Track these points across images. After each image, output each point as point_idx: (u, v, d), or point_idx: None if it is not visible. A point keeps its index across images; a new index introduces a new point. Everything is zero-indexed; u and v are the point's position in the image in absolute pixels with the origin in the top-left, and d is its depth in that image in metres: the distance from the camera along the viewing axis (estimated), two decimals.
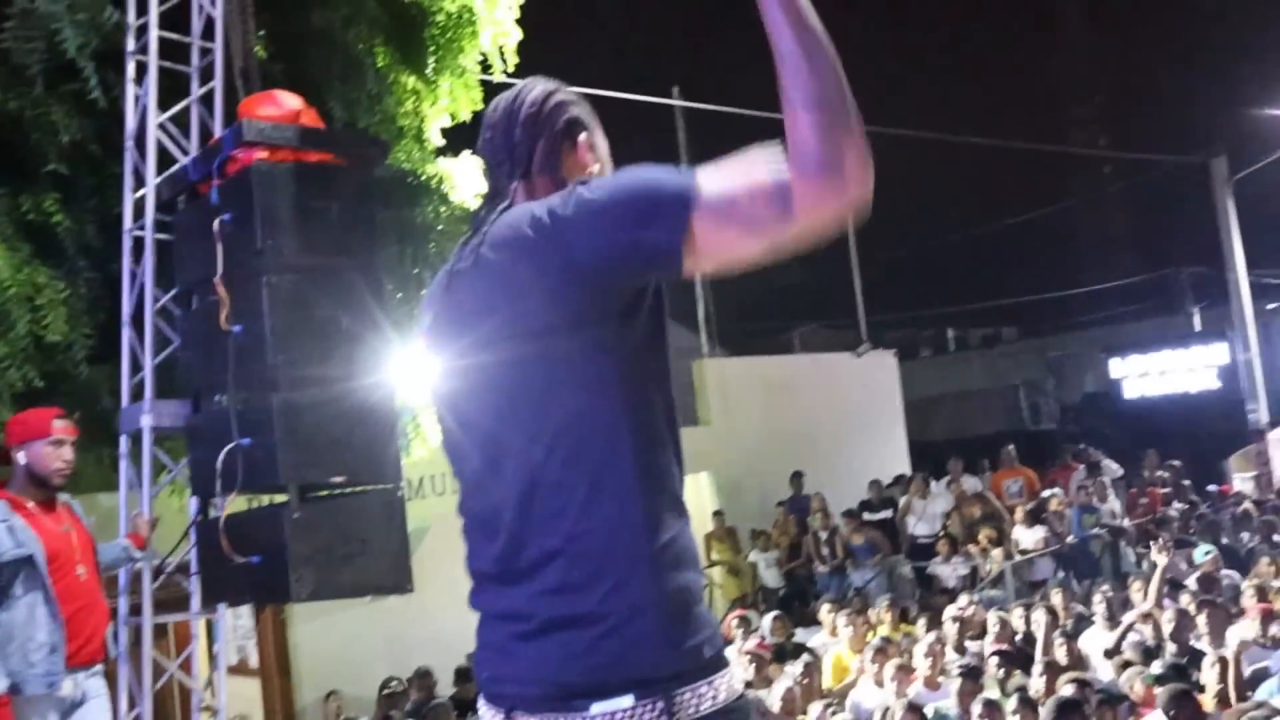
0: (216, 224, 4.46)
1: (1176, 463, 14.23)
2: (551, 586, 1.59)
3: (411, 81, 7.50)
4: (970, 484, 12.56)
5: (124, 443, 5.31)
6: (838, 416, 15.23)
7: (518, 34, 8.61)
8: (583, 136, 1.83)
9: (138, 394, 5.26)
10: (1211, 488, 14.76)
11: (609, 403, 1.62)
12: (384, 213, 6.67)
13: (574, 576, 1.57)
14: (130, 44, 5.50)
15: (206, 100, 5.57)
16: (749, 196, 1.48)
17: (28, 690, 3.75)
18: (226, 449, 4.37)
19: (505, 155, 1.82)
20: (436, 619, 11.15)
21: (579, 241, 1.57)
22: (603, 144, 1.88)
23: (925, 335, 25.81)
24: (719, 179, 1.51)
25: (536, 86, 1.86)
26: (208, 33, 5.54)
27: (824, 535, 12.23)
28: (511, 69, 8.70)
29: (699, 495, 14.32)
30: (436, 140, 8.23)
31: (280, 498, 4.42)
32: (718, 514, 13.41)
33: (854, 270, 16.88)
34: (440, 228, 6.99)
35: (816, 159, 1.42)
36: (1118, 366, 19.26)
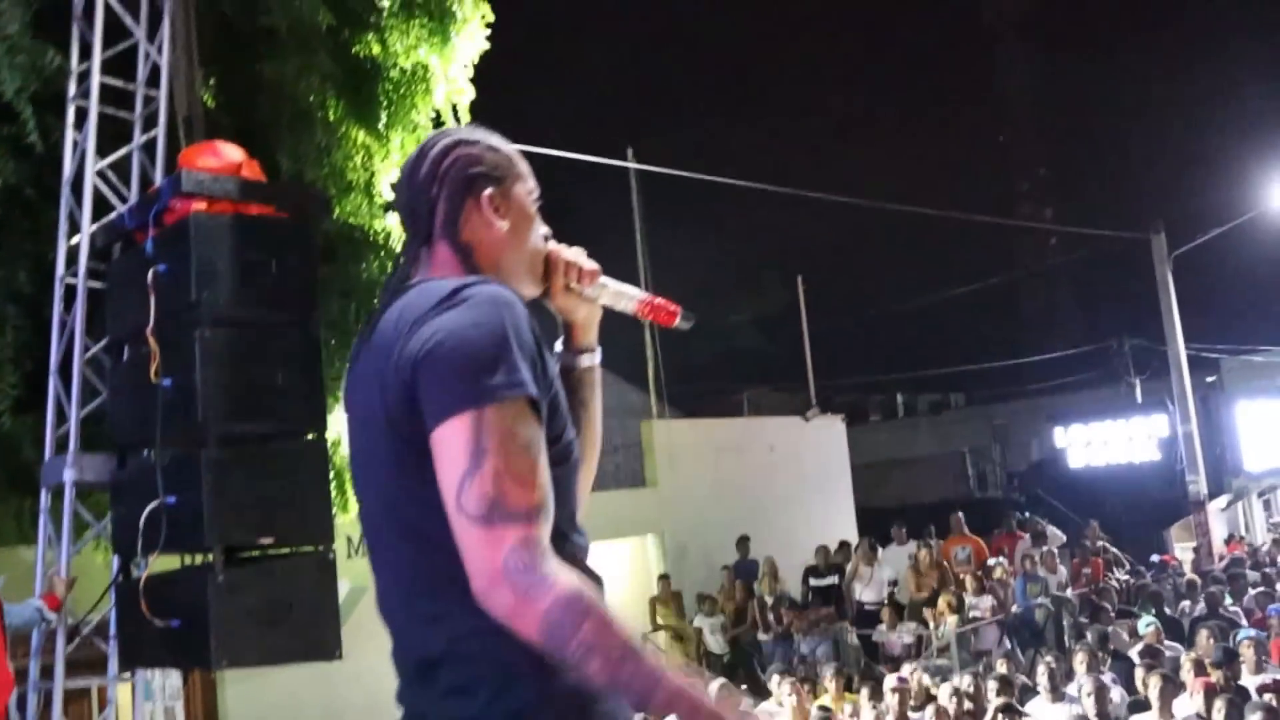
0: (151, 274, 4.34)
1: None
2: (442, 690, 1.50)
3: (361, 136, 7.45)
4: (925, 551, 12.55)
5: (45, 497, 5.11)
6: (786, 480, 15.21)
7: (471, 92, 8.64)
8: (487, 192, 1.68)
9: (62, 446, 5.07)
10: (1154, 558, 14.90)
11: None
12: (327, 267, 6.58)
13: (459, 680, 1.48)
14: (72, 89, 5.39)
15: (149, 148, 5.46)
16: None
17: None
18: (150, 506, 4.22)
19: (409, 217, 1.72)
20: (375, 682, 10.84)
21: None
22: (521, 196, 1.74)
23: (874, 400, 26.01)
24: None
25: (441, 140, 1.73)
26: (153, 80, 5.45)
27: (770, 600, 12.11)
28: (465, 125, 8.71)
29: (645, 558, 14.18)
30: (387, 195, 8.18)
31: (206, 557, 4.26)
32: (663, 577, 13.25)
33: (804, 334, 16.98)
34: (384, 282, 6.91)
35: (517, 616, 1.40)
36: (1061, 435, 19.48)
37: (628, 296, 1.85)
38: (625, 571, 14.09)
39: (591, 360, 1.89)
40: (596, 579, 1.64)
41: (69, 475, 4.82)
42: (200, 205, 4.32)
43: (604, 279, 1.83)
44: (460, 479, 1.39)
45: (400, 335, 1.52)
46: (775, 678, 8.62)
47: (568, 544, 1.60)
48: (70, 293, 5.19)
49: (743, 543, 13.54)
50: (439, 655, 1.50)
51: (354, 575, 11.23)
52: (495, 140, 1.76)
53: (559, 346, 1.87)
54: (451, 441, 1.41)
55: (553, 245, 1.79)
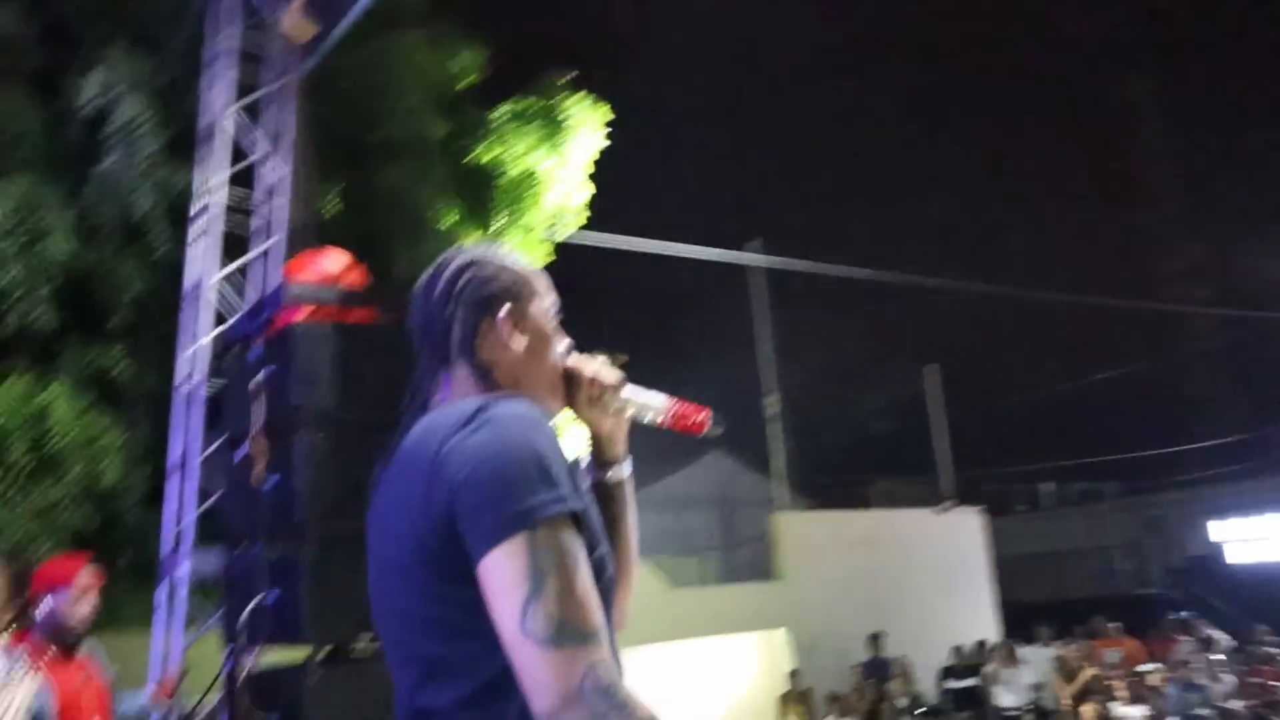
0: (257, 379, 4.54)
1: None
2: None
3: (477, 238, 7.70)
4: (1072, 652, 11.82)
5: (163, 588, 5.33)
6: (919, 575, 14.65)
7: (586, 192, 8.87)
8: (504, 311, 1.65)
9: (181, 540, 5.30)
10: None
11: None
12: None
13: None
14: (198, 204, 5.76)
15: (265, 258, 5.77)
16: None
17: None
18: (255, 601, 4.34)
19: (424, 337, 1.70)
20: None
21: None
22: (538, 313, 1.71)
23: (1018, 490, 24.93)
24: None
25: (455, 259, 1.70)
26: (270, 194, 5.77)
27: (904, 703, 11.59)
28: (580, 224, 8.94)
29: (773, 653, 13.81)
30: None
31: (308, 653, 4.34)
32: (793, 674, 12.87)
33: (934, 424, 16.52)
34: None
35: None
36: (1217, 529, 18.25)
37: (653, 407, 1.81)
38: (753, 667, 13.74)
39: (620, 473, 1.86)
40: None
41: (184, 568, 5.01)
42: (303, 314, 4.52)
43: (628, 389, 1.81)
44: (522, 604, 1.35)
45: (429, 460, 1.48)
46: None
47: None
48: (191, 395, 5.47)
49: (874, 640, 13.04)
50: None
51: None
52: (510, 259, 1.74)
53: (586, 460, 1.84)
54: (506, 567, 1.37)
55: (573, 359, 1.77)
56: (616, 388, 1.79)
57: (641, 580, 11.47)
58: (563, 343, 1.76)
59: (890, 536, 15.03)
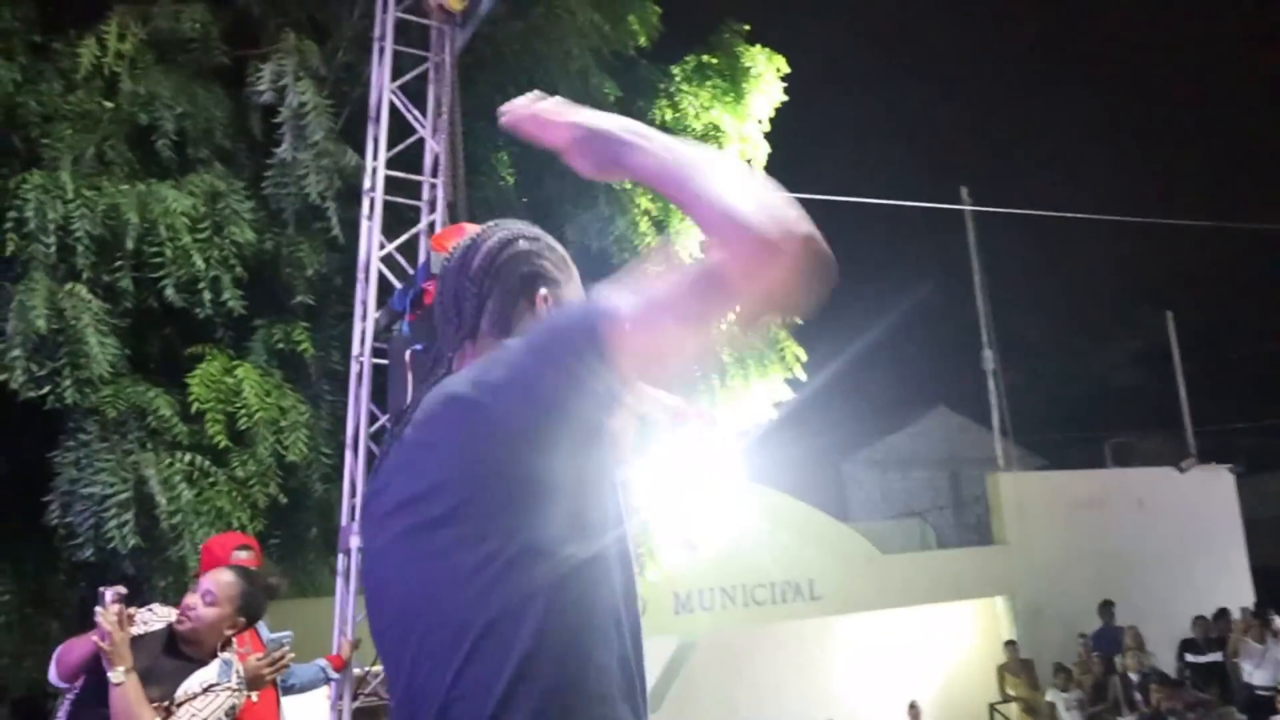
0: (408, 354, 4.60)
1: None
2: None
3: (646, 202, 7.58)
4: None
5: (340, 560, 5.54)
6: (1158, 539, 13.56)
7: (766, 147, 8.57)
8: (543, 292, 1.61)
9: (355, 514, 5.48)
10: None
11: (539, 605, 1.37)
12: None
13: None
14: (366, 183, 5.91)
15: (430, 233, 5.85)
16: (668, 293, 1.32)
17: None
18: None
19: (453, 312, 1.63)
20: None
21: (507, 403, 1.39)
22: (571, 297, 1.65)
23: (1277, 446, 22.64)
24: (634, 290, 1.35)
25: (495, 234, 1.66)
26: (433, 171, 5.84)
27: (1135, 678, 10.76)
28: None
29: (993, 621, 13.16)
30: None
31: None
32: (1010, 644, 12.22)
33: (1178, 375, 15.17)
34: None
35: (732, 227, 1.28)
36: None
37: (663, 405, 1.75)
38: (971, 635, 13.15)
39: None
40: None
41: (354, 542, 5.18)
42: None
43: (640, 386, 1.73)
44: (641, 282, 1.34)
45: (456, 403, 1.43)
46: None
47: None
48: (361, 372, 5.63)
49: (1105, 609, 12.18)
50: None
51: (682, 631, 11.36)
52: (552, 239, 1.69)
53: None
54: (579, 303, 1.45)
55: None
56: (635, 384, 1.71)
57: (850, 546, 11.15)
58: None
59: (1125, 497, 13.99)
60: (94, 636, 3.04)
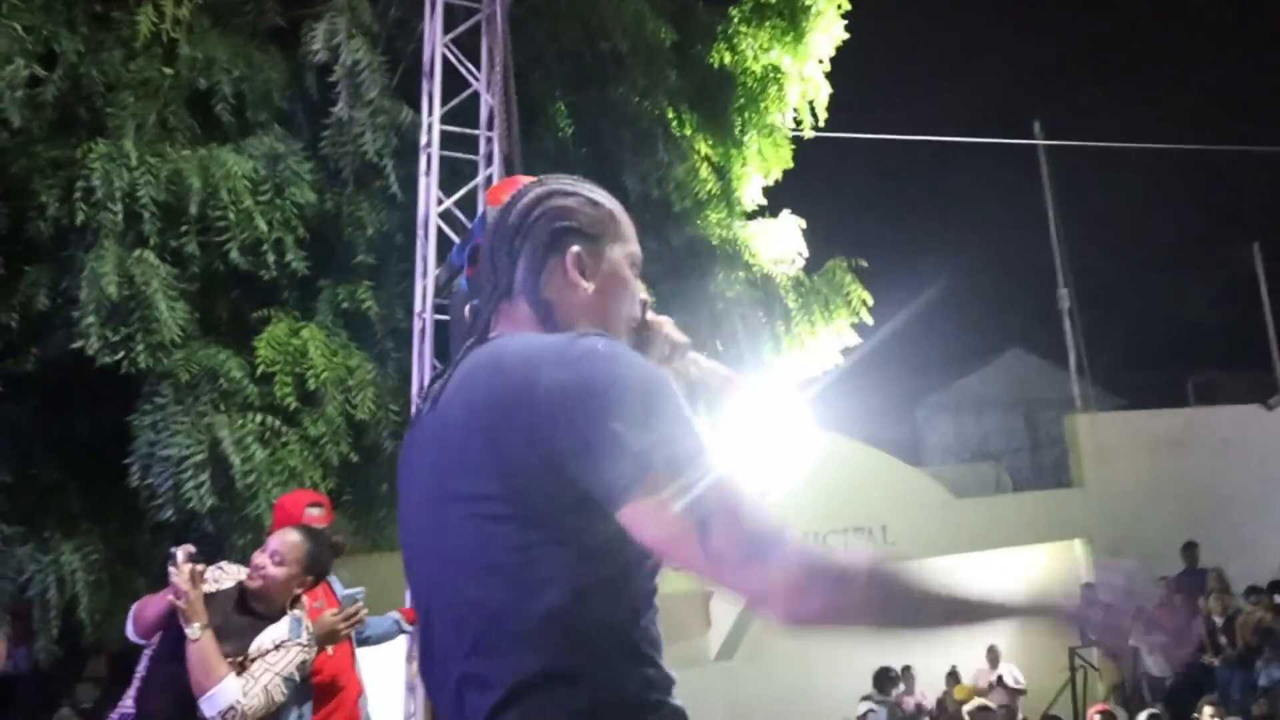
0: (466, 309, 4.59)
1: None
2: None
3: (705, 148, 7.45)
4: None
5: None
6: (1244, 479, 13.17)
7: (827, 88, 8.38)
8: (574, 249, 1.53)
9: None
10: None
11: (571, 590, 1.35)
12: (669, 283, 6.65)
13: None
14: (423, 139, 5.89)
15: (487, 186, 5.83)
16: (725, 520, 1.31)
17: None
18: None
19: (489, 270, 1.59)
20: (776, 684, 10.89)
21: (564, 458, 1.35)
22: (616, 259, 1.57)
23: None
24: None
25: (533, 190, 1.60)
26: (488, 125, 5.80)
27: (1220, 620, 10.52)
28: (822, 123, 8.48)
29: (1071, 565, 12.96)
30: (747, 203, 8.15)
31: None
32: (1088, 587, 12.01)
33: (1265, 308, 14.65)
34: (730, 294, 6.84)
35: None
36: None
37: (715, 373, 1.78)
38: (1047, 580, 12.96)
39: None
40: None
41: None
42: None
43: (693, 354, 1.76)
44: (699, 542, 1.28)
45: (510, 391, 1.36)
46: (1208, 710, 7.46)
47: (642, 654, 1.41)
48: (424, 329, 5.65)
49: (1189, 550, 11.92)
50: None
51: None
52: (599, 194, 1.61)
53: None
54: (656, 513, 1.28)
55: (652, 315, 1.67)
56: (685, 348, 1.72)
57: (924, 491, 11.02)
58: (640, 294, 1.63)
59: (1208, 436, 13.62)
60: (168, 594, 3.11)
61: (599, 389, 1.30)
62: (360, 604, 4.16)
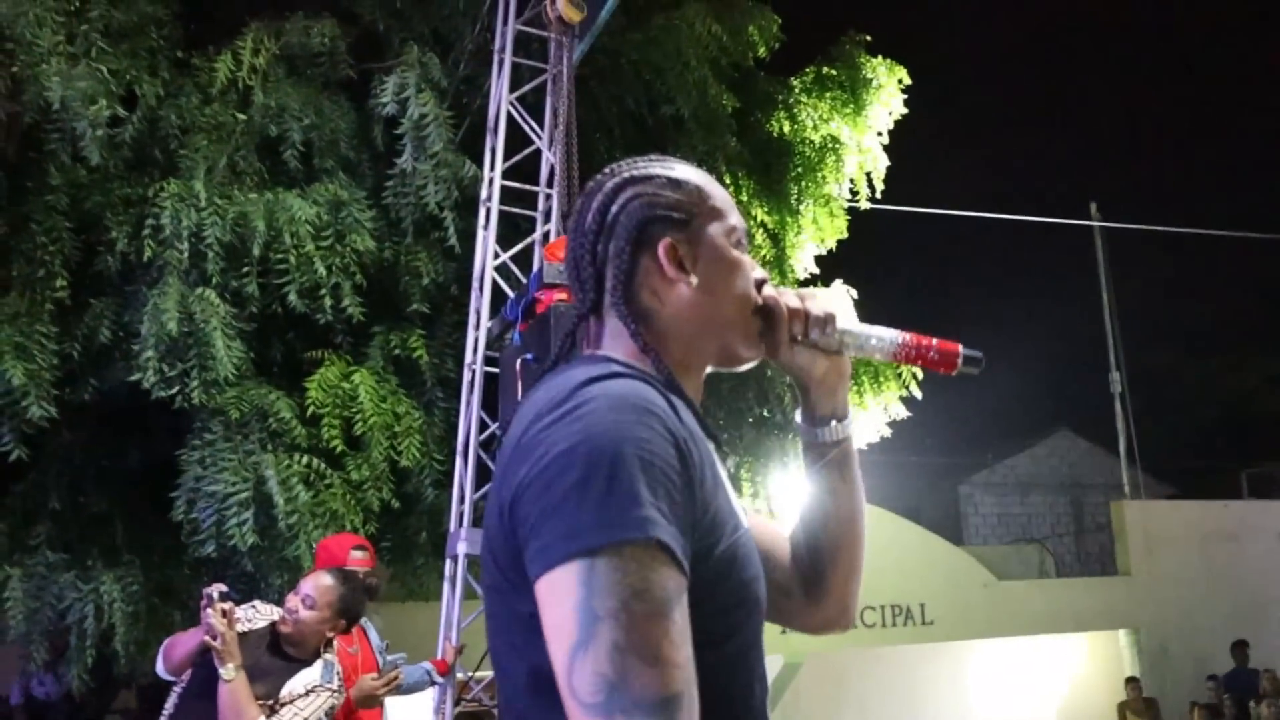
0: (519, 363, 4.63)
1: None
2: None
3: (762, 214, 7.49)
4: None
5: (448, 565, 5.60)
6: None
7: (885, 160, 8.43)
8: (666, 240, 1.30)
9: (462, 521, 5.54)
10: None
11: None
12: None
13: None
14: (483, 193, 5.99)
15: (545, 242, 5.89)
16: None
17: None
18: None
19: (575, 284, 1.37)
20: None
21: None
22: (717, 238, 1.34)
23: None
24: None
25: (609, 180, 1.36)
26: (549, 181, 5.89)
27: None
28: (879, 195, 8.52)
29: (1116, 656, 12.62)
30: (799, 272, 8.17)
31: None
32: (1133, 680, 11.68)
33: None
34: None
35: None
36: None
37: (880, 339, 1.41)
38: (1089, 670, 12.64)
39: (839, 431, 1.47)
40: None
41: (461, 548, 5.23)
42: (561, 296, 4.54)
43: (846, 323, 1.41)
44: (569, 653, 1.05)
45: (513, 443, 1.20)
46: None
47: None
48: (474, 379, 5.69)
49: (1238, 649, 11.56)
50: None
51: (789, 652, 11.19)
52: (680, 170, 1.38)
53: (798, 416, 1.50)
54: (557, 601, 1.07)
55: (769, 291, 1.39)
56: (829, 321, 1.40)
57: (965, 571, 10.84)
58: (754, 273, 1.38)
59: (1262, 530, 13.31)
60: (202, 633, 3.13)
61: (556, 458, 1.10)
62: (400, 669, 4.18)
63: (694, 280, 1.31)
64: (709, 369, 1.38)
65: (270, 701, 3.16)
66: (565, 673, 1.04)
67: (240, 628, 3.23)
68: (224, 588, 3.18)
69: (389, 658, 4.38)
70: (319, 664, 3.34)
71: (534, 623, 1.09)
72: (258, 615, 3.43)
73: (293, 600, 3.38)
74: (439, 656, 5.31)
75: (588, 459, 1.08)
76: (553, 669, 1.06)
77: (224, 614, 3.11)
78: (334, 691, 3.34)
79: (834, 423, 1.45)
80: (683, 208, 1.33)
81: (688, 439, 1.15)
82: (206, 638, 3.11)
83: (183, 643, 3.37)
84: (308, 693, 3.21)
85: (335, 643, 3.52)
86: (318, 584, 3.41)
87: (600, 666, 1.02)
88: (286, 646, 3.34)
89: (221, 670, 3.07)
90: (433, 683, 4.92)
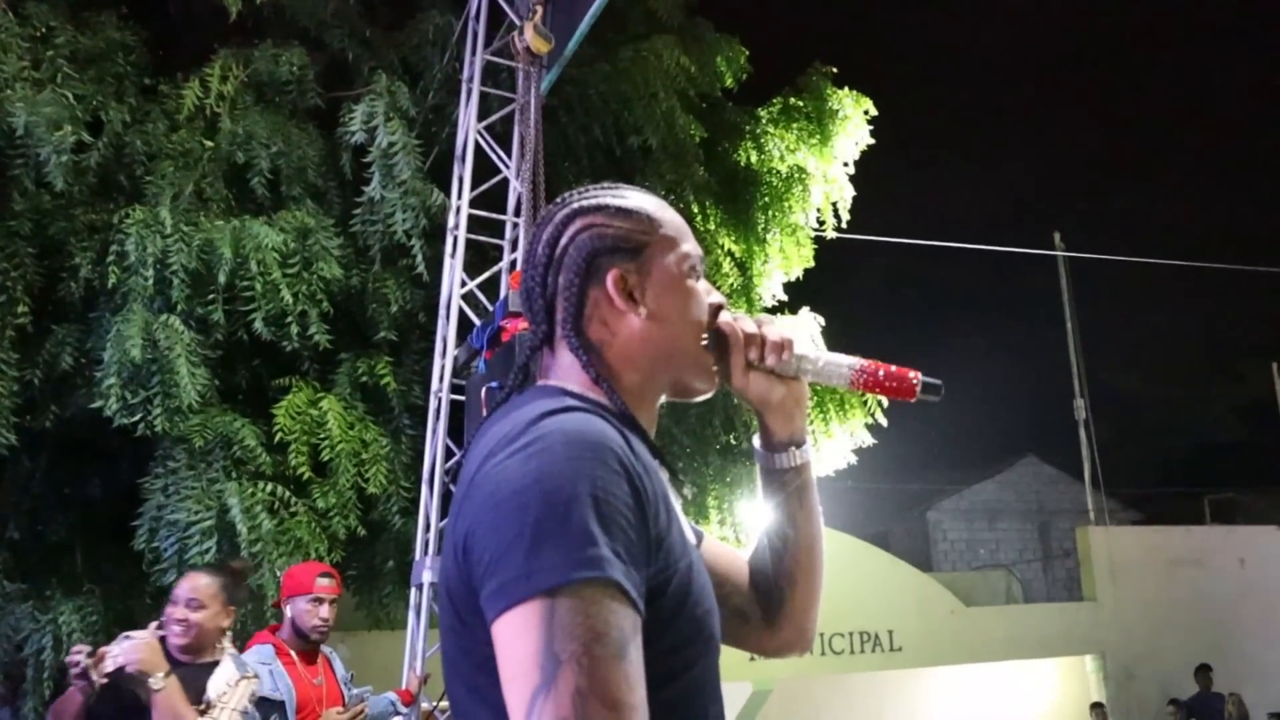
0: (484, 391, 4.63)
1: None
2: None
3: (729, 243, 7.55)
4: None
5: (413, 594, 5.57)
6: (1259, 602, 12.97)
7: (851, 190, 8.52)
8: (614, 272, 1.29)
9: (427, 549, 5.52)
10: None
11: None
12: None
13: None
14: (450, 221, 6.01)
15: (511, 271, 5.91)
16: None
17: None
18: None
19: (528, 313, 1.36)
20: None
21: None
22: (669, 267, 1.32)
23: None
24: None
25: (555, 214, 1.34)
26: (516, 210, 5.92)
27: None
28: (845, 224, 8.61)
29: (1081, 681, 12.70)
30: (766, 299, 8.24)
31: None
32: (1097, 706, 11.76)
33: None
34: None
35: None
36: None
37: (837, 366, 1.40)
38: (1056, 695, 12.70)
39: (800, 456, 1.46)
40: None
41: (426, 577, 5.21)
42: (526, 324, 4.55)
43: (803, 349, 1.40)
44: (530, 697, 1.03)
45: (467, 480, 1.18)
46: None
47: None
48: (439, 407, 5.69)
49: (1202, 673, 11.67)
50: None
51: (757, 679, 11.19)
52: (632, 198, 1.35)
53: (756, 443, 1.48)
54: (513, 644, 1.05)
55: (725, 317, 1.38)
56: (785, 346, 1.39)
57: (933, 598, 10.93)
58: (710, 298, 1.37)
59: (1225, 556, 13.47)
60: (120, 662, 3.15)
61: (508, 497, 1.09)
62: (366, 701, 4.19)
63: (644, 311, 1.30)
64: (664, 399, 1.38)
65: (200, 706, 3.27)
66: (524, 715, 1.03)
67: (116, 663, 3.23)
68: (84, 646, 3.29)
69: (354, 690, 4.35)
70: (227, 659, 3.51)
71: (493, 664, 1.07)
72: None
73: (177, 610, 3.48)
74: (404, 686, 5.27)
75: (543, 498, 1.07)
76: (511, 714, 1.04)
77: (90, 655, 3.20)
78: (249, 678, 3.52)
79: (792, 449, 1.45)
80: (633, 238, 1.31)
81: (642, 474, 1.14)
82: (125, 666, 3.15)
83: (68, 703, 3.32)
84: (232, 686, 3.37)
85: (229, 634, 3.66)
86: (195, 585, 3.55)
87: (562, 711, 1.01)
88: (184, 655, 3.44)
89: (151, 681, 3.13)
90: (397, 713, 4.88)
